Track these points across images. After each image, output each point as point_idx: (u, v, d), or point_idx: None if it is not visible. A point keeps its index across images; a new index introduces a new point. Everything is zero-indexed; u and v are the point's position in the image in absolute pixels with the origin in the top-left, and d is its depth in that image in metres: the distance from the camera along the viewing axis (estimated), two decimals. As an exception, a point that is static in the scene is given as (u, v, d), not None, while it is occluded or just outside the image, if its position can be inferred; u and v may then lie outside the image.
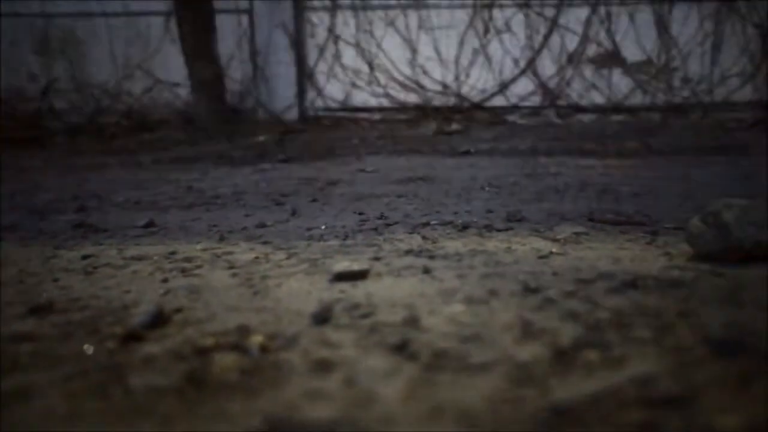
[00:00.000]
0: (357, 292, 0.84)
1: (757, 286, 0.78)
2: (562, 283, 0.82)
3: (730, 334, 0.59)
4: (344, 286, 0.87)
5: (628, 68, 4.93)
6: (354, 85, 5.02)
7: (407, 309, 0.74)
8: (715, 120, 4.48)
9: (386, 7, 4.99)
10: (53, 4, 4.85)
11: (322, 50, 5.00)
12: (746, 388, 0.48)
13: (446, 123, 4.48)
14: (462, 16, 4.97)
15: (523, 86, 5.02)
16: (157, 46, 4.91)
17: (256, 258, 1.10)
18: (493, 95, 5.01)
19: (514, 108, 4.98)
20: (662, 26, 4.84)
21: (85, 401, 0.53)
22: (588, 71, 4.99)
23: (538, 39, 4.97)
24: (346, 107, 5.01)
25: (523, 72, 4.99)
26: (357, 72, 5.01)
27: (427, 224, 1.41)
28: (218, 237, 1.33)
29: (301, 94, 4.91)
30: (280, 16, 4.81)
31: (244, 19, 4.92)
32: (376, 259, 1.04)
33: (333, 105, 4.99)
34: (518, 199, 1.79)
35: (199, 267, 1.04)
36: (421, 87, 5.02)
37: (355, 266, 0.93)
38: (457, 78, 4.99)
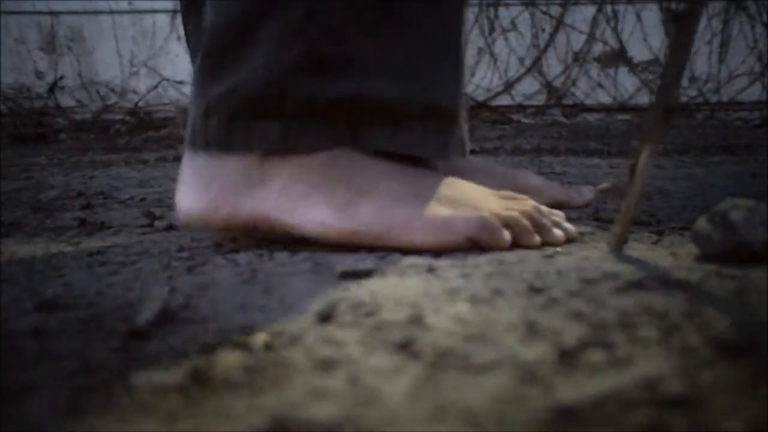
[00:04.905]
0: (361, 290, 0.83)
1: (764, 287, 0.77)
2: (566, 283, 0.82)
3: (738, 336, 0.58)
4: (349, 284, 0.87)
5: (635, 67, 4.91)
6: (359, 83, 5.02)
7: (411, 307, 0.74)
8: (722, 119, 4.46)
9: (392, 6, 4.98)
10: (60, 2, 4.86)
11: (327, 48, 5.00)
12: (754, 390, 0.48)
13: (451, 122, 4.47)
14: (467, 14, 4.96)
15: (529, 85, 5.01)
16: (162, 44, 4.92)
17: (261, 256, 1.10)
18: (498, 94, 5.00)
19: (520, 107, 4.97)
20: (669, 25, 4.81)
21: (88, 398, 0.53)
22: (594, 70, 4.98)
23: (544, 38, 4.96)
24: (351, 105, 5.00)
25: (528, 71, 4.97)
26: (362, 70, 5.01)
27: (431, 223, 1.40)
28: (223, 235, 1.33)
29: (306, 92, 4.90)
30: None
31: (250, 17, 4.92)
32: (381, 257, 1.04)
33: (338, 103, 4.99)
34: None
35: (204, 264, 1.04)
36: (427, 85, 5.01)
37: (360, 265, 0.92)
38: (462, 76, 4.98)
